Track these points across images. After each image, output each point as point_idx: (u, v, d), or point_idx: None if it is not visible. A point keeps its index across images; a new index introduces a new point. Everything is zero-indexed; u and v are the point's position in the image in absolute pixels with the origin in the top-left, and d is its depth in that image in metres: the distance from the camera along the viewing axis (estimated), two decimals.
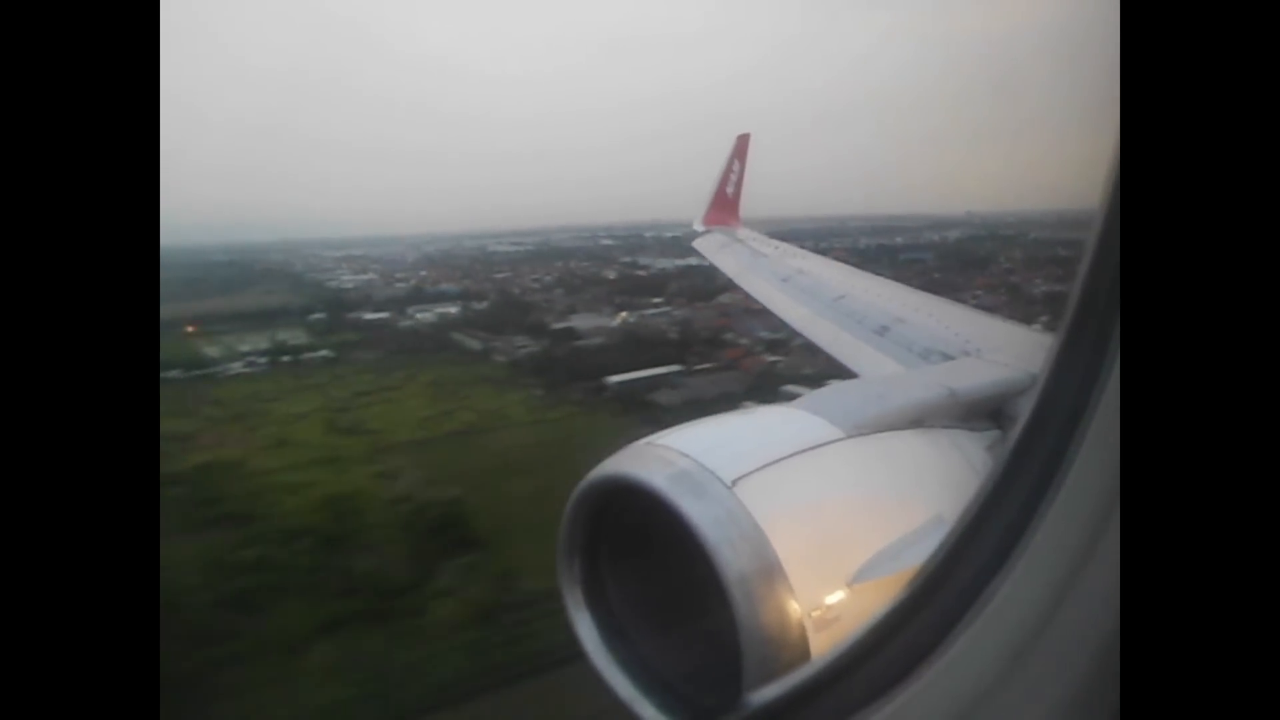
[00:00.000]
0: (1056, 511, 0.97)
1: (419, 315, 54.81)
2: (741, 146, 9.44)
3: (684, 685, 1.75)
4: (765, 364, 34.68)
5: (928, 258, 57.76)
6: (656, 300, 51.96)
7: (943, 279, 42.82)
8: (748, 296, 6.42)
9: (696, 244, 8.47)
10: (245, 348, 49.11)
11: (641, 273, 66.85)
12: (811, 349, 4.75)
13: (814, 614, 1.55)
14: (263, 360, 45.17)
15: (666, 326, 45.08)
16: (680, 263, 57.78)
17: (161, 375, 43.93)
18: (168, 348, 48.86)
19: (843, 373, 3.79)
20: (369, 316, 54.63)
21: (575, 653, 1.83)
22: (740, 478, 1.65)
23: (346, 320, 53.54)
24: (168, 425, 33.12)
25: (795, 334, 5.18)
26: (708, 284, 44.89)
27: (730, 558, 1.52)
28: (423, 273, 78.50)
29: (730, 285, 7.41)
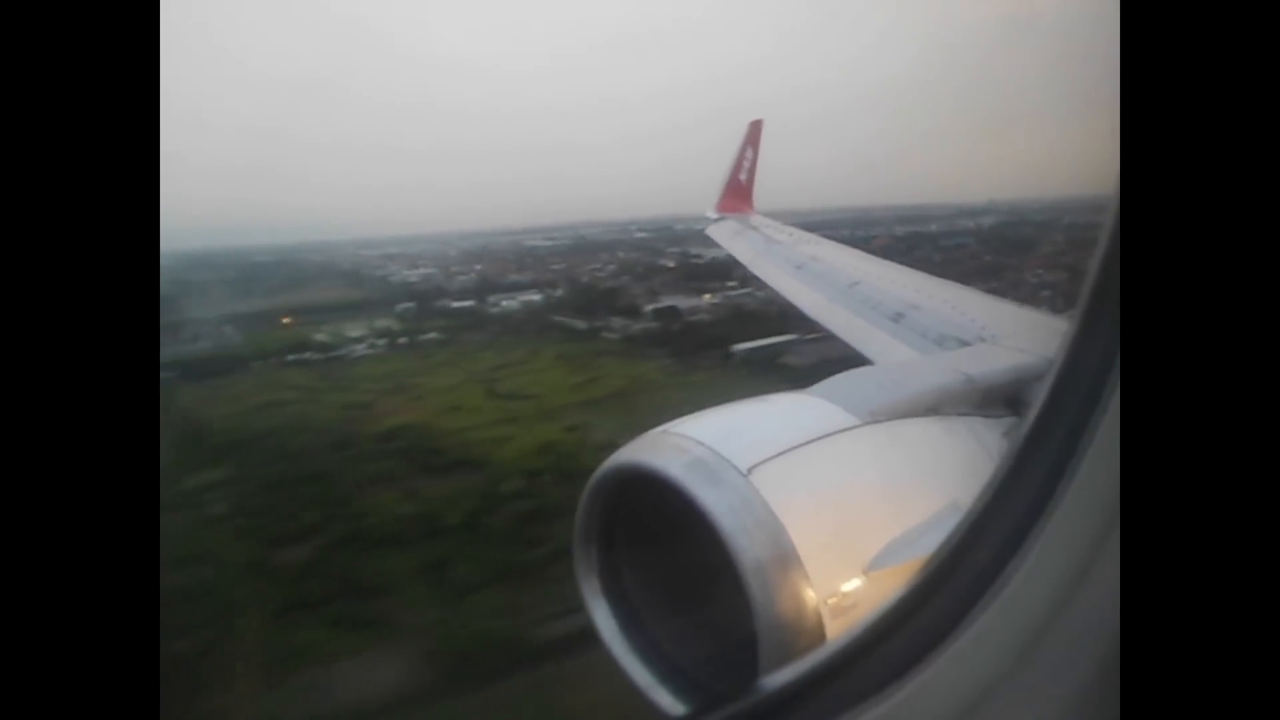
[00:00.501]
0: (1070, 499, 0.97)
1: (503, 303, 58.24)
2: (754, 133, 9.33)
3: (700, 672, 1.76)
4: None
5: (971, 243, 61.28)
6: (730, 283, 55.52)
7: (995, 261, 46.41)
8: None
9: (710, 231, 8.46)
10: (354, 334, 52.45)
11: (698, 260, 70.33)
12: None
13: (830, 601, 1.54)
14: (381, 343, 48.49)
15: (755, 304, 48.64)
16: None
17: (291, 358, 47.36)
18: (274, 337, 52.11)
19: (857, 359, 3.76)
20: (455, 305, 58.04)
21: None
22: (756, 465, 1.65)
23: (435, 309, 56.89)
24: (340, 397, 36.49)
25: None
26: None
27: (746, 545, 1.53)
28: (477, 266, 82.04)
29: None
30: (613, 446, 1.98)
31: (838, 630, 1.53)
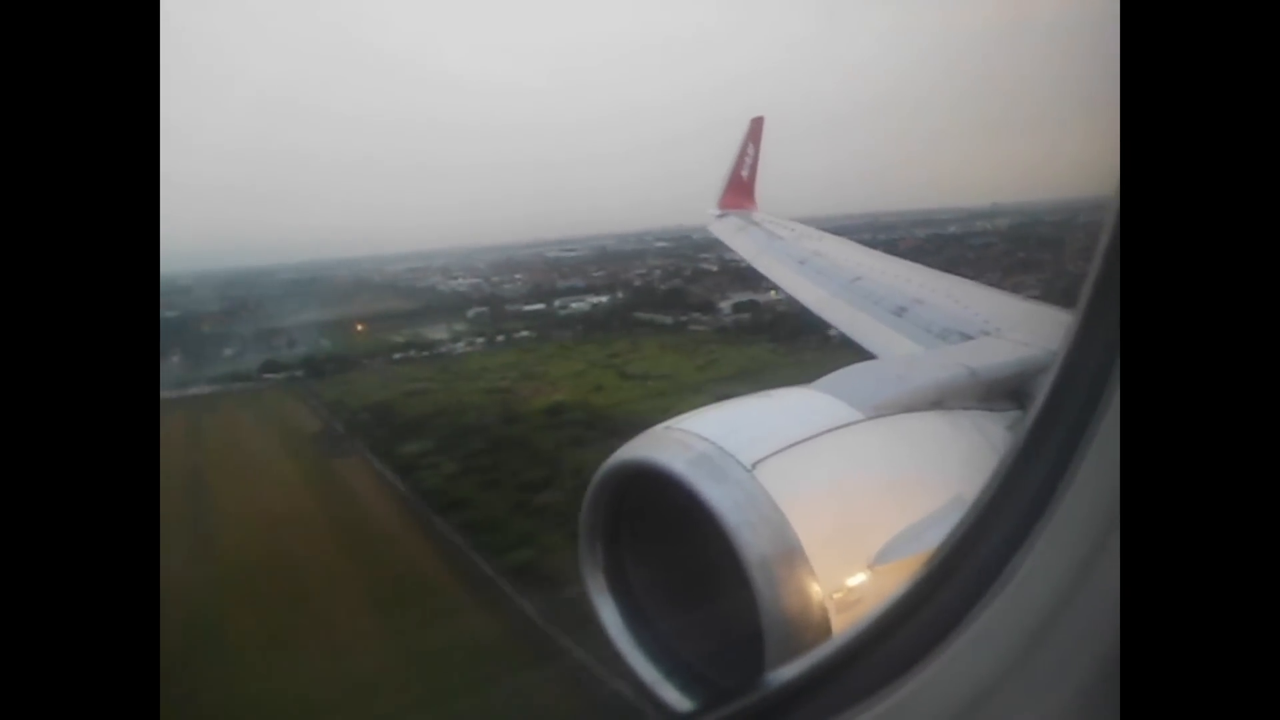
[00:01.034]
0: (1072, 494, 0.97)
1: (572, 305, 61.64)
2: (755, 130, 9.37)
3: (706, 668, 1.78)
4: None
5: (998, 242, 65.77)
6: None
7: (1028, 257, 50.69)
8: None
9: (712, 227, 8.54)
10: (437, 336, 55.41)
11: (739, 263, 74.29)
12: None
13: (835, 596, 1.55)
14: (479, 341, 51.59)
15: None
16: None
17: (398, 355, 50.06)
18: (361, 341, 54.74)
19: (861, 354, 3.81)
20: (526, 308, 61.25)
21: None
22: (760, 460, 1.67)
23: (508, 312, 60.02)
24: (474, 384, 39.50)
25: None
26: None
27: (751, 540, 1.54)
28: (517, 276, 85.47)
29: None
30: None
31: (843, 625, 1.53)
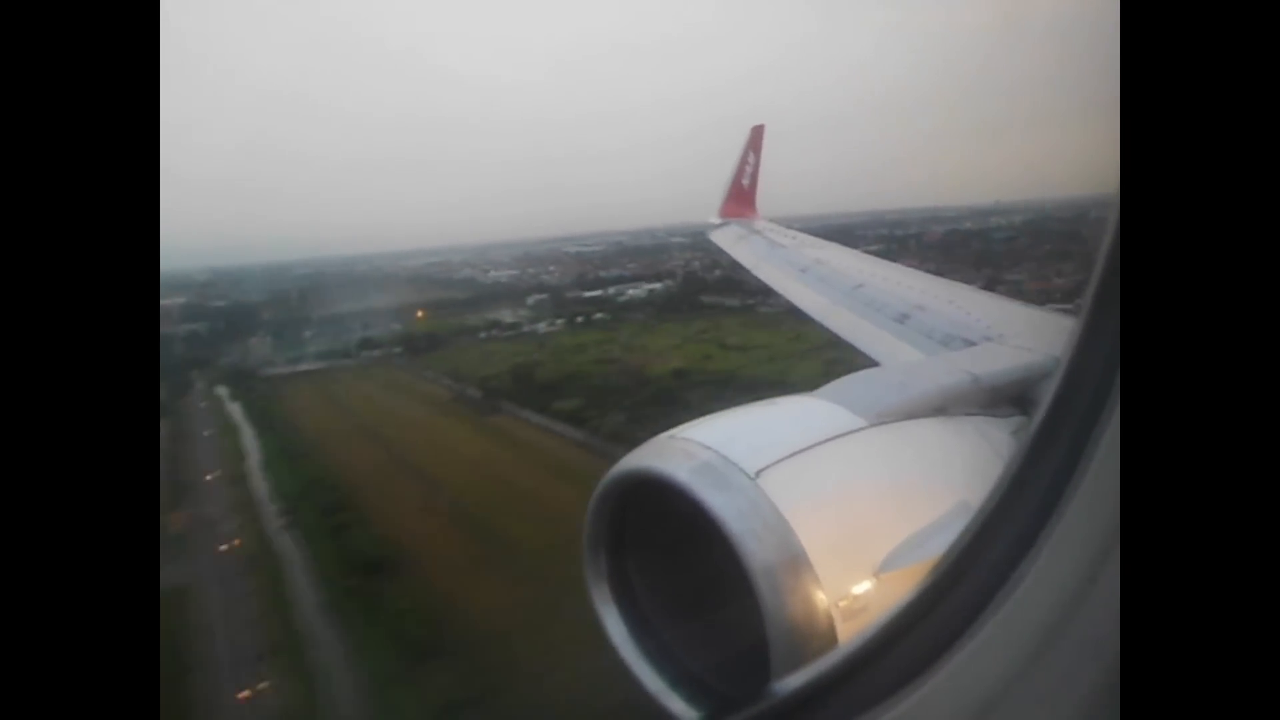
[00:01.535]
0: (1077, 501, 0.96)
1: (629, 291, 64.66)
2: (756, 138, 9.47)
3: (711, 677, 1.78)
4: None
5: (1020, 236, 68.30)
6: None
7: (1055, 249, 53.48)
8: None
9: (713, 236, 8.53)
10: (507, 319, 58.11)
11: None
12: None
13: (841, 604, 1.56)
14: (559, 321, 54.46)
15: None
16: None
17: (483, 335, 52.51)
18: (435, 324, 57.09)
19: (863, 361, 3.75)
20: (586, 294, 64.10)
21: None
22: (763, 469, 1.67)
23: (568, 299, 62.76)
24: (579, 357, 42.26)
25: None
26: None
27: (755, 549, 1.54)
28: (551, 268, 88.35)
29: None
30: None
31: (849, 633, 1.53)
